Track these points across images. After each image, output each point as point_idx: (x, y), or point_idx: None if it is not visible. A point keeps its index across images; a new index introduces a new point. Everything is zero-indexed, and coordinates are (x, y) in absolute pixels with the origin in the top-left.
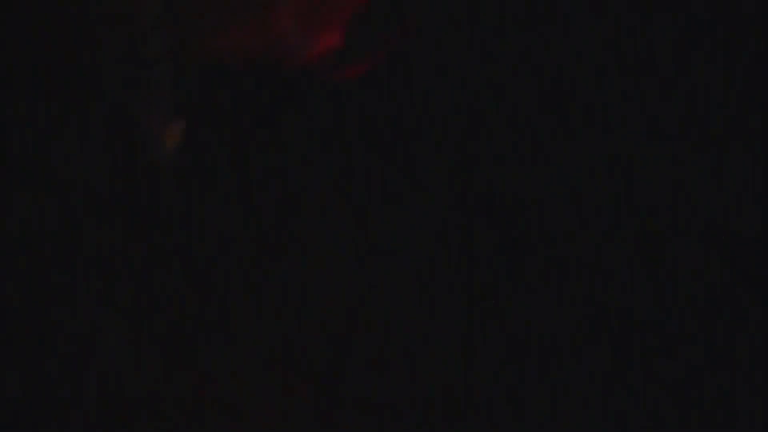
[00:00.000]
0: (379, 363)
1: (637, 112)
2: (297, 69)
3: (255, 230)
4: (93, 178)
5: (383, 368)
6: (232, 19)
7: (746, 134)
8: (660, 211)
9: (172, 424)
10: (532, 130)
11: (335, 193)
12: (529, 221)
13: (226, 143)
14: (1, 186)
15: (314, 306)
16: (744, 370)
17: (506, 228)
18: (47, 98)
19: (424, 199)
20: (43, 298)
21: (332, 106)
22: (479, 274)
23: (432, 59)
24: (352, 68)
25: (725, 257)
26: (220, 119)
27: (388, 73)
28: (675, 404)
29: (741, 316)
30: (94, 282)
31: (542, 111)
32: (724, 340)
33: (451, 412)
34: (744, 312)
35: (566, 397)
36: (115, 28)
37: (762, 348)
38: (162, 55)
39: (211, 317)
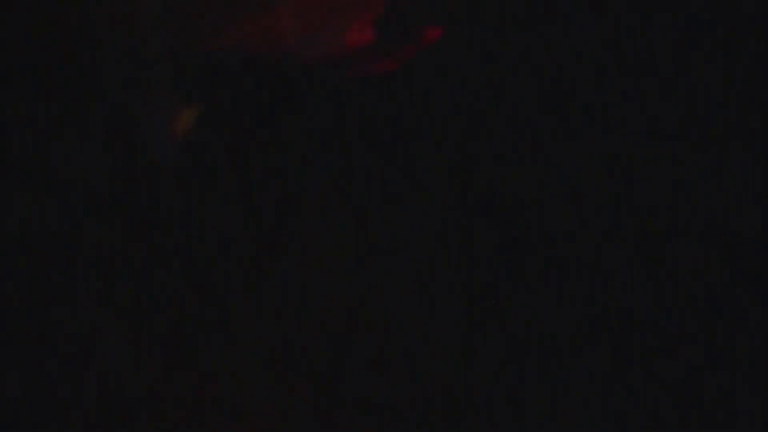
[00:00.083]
0: (379, 363)
1: (637, 112)
2: (297, 69)
3: (255, 230)
4: (93, 178)
5: (383, 368)
6: (232, 19)
7: (746, 134)
8: (660, 211)
9: (172, 424)
10: (532, 130)
11: (335, 193)
12: (529, 221)
13: (226, 143)
14: (1, 186)
15: (314, 306)
16: (744, 370)
17: (506, 228)
18: (47, 98)
19: (424, 199)
20: (43, 298)
21: (332, 106)
22: (479, 274)
23: (432, 59)
24: (385, 63)
25: (725, 257)
26: (220, 119)
27: (388, 73)
28: (675, 404)
29: (741, 316)
30: (94, 282)
31: (542, 111)
32: (724, 340)
33: (451, 412)
34: (744, 312)
35: (566, 397)
36: (115, 28)
37: (762, 348)
38: (162, 55)
39: (211, 317)
